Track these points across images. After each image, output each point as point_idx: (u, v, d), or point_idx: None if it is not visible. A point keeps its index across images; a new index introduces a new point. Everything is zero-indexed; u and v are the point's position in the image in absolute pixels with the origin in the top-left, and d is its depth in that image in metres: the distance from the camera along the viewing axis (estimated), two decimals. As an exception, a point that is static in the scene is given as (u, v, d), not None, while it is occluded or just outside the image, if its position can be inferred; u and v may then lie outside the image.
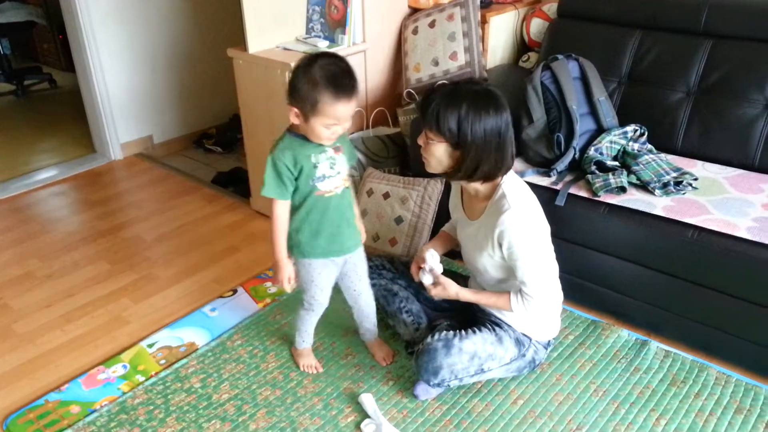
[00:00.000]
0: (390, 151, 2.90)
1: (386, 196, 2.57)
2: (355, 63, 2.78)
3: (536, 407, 1.91)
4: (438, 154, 1.73)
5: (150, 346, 2.21)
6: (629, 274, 2.17)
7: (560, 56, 2.40)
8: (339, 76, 1.61)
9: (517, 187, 1.77)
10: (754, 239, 1.90)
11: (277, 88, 2.61)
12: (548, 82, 2.33)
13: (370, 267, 2.21)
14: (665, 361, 2.07)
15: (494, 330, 1.90)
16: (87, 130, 3.87)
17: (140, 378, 2.07)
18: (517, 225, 1.71)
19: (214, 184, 3.48)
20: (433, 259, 1.86)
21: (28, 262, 2.77)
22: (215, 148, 3.95)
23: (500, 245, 1.76)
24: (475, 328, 1.89)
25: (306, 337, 2.06)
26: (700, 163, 2.37)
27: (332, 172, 1.76)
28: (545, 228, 1.81)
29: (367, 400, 1.91)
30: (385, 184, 2.60)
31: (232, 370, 2.08)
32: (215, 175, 3.56)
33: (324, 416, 1.90)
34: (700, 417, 1.86)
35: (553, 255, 1.87)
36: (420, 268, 1.91)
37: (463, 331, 1.86)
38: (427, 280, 1.88)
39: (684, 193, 2.16)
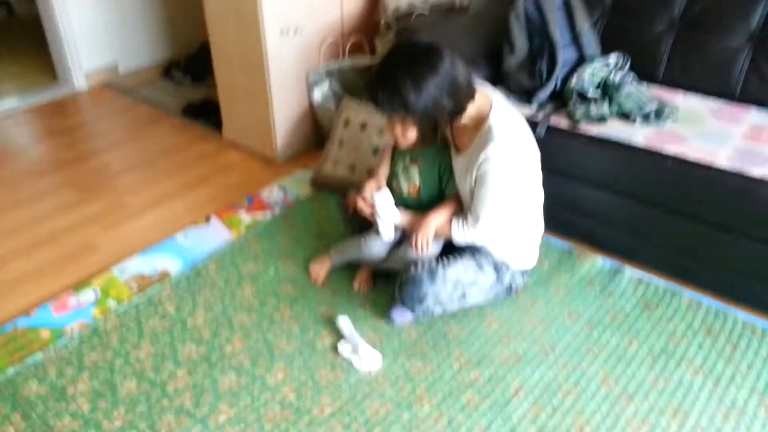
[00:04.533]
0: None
1: (363, 126, 2.51)
2: (332, -15, 2.68)
3: (511, 329, 1.93)
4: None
5: (121, 272, 2.16)
6: (606, 203, 2.17)
7: (544, -17, 2.33)
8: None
9: (505, 120, 1.73)
10: (732, 168, 1.91)
11: (247, 13, 2.49)
12: (531, 10, 2.27)
13: (341, 206, 2.18)
14: (639, 287, 2.10)
15: (474, 256, 1.89)
16: (49, 60, 3.68)
17: (112, 304, 2.03)
18: (499, 157, 1.69)
19: (185, 115, 3.37)
20: (383, 202, 1.88)
21: (-9, 190, 2.67)
22: (185, 78, 3.81)
23: (477, 170, 1.73)
24: (456, 255, 1.88)
25: (340, 257, 2.11)
26: (681, 92, 2.36)
27: (402, 175, 1.95)
28: (532, 159, 1.80)
29: (344, 322, 1.90)
30: (362, 114, 2.53)
31: (206, 296, 2.05)
32: (185, 105, 3.44)
33: (301, 339, 1.89)
34: (672, 340, 1.90)
35: (539, 184, 1.87)
36: (362, 203, 1.93)
37: (445, 259, 1.85)
38: (384, 229, 1.90)
39: (662, 124, 2.15)
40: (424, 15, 2.65)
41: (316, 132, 2.92)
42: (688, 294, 2.07)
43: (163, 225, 2.44)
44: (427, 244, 1.86)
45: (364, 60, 2.84)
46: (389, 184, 2.00)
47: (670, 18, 2.40)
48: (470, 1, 2.77)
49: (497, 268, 1.92)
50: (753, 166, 1.91)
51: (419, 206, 1.95)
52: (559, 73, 2.26)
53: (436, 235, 1.88)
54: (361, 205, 1.94)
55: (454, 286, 1.83)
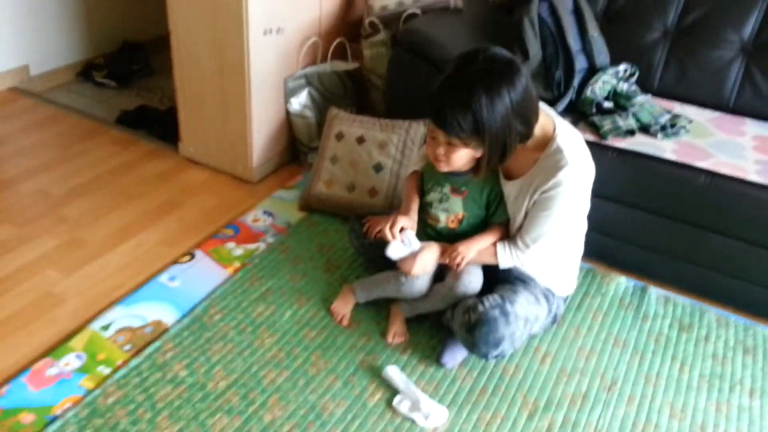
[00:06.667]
0: (347, 90, 2.59)
1: (361, 140, 2.28)
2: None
3: (565, 365, 1.82)
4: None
5: (104, 328, 1.80)
6: (628, 219, 2.11)
7: (553, -14, 2.22)
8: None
9: (573, 141, 1.60)
10: (765, 182, 1.91)
11: (227, 7, 2.17)
12: (545, 15, 2.15)
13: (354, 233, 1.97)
14: (667, 306, 2.06)
15: (527, 288, 1.75)
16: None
17: (105, 370, 1.67)
18: (572, 183, 1.57)
19: (120, 125, 2.93)
20: (407, 239, 1.70)
21: None
22: (108, 82, 3.33)
23: (541, 193, 1.59)
24: (513, 289, 1.72)
25: (367, 294, 1.91)
26: (678, 104, 2.34)
27: (440, 205, 1.76)
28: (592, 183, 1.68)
29: (394, 373, 1.69)
30: (357, 127, 2.30)
31: (221, 351, 1.75)
32: (119, 114, 3.00)
33: (348, 397, 1.65)
34: (716, 361, 1.88)
35: (587, 210, 1.76)
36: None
37: (507, 294, 1.69)
38: (395, 253, 1.69)
39: (679, 136, 2.12)
40: (416, 15, 2.45)
41: (290, 145, 2.64)
42: (714, 310, 2.06)
43: (136, 264, 2.07)
44: (462, 261, 1.69)
45: (345, 65, 2.59)
46: (420, 213, 1.81)
47: (664, 26, 2.38)
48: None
49: (547, 298, 1.80)
50: (781, 181, 1.92)
51: (455, 237, 1.77)
52: (575, 82, 2.16)
53: (478, 261, 1.73)
54: (386, 233, 1.71)
55: (525, 323, 1.67)
